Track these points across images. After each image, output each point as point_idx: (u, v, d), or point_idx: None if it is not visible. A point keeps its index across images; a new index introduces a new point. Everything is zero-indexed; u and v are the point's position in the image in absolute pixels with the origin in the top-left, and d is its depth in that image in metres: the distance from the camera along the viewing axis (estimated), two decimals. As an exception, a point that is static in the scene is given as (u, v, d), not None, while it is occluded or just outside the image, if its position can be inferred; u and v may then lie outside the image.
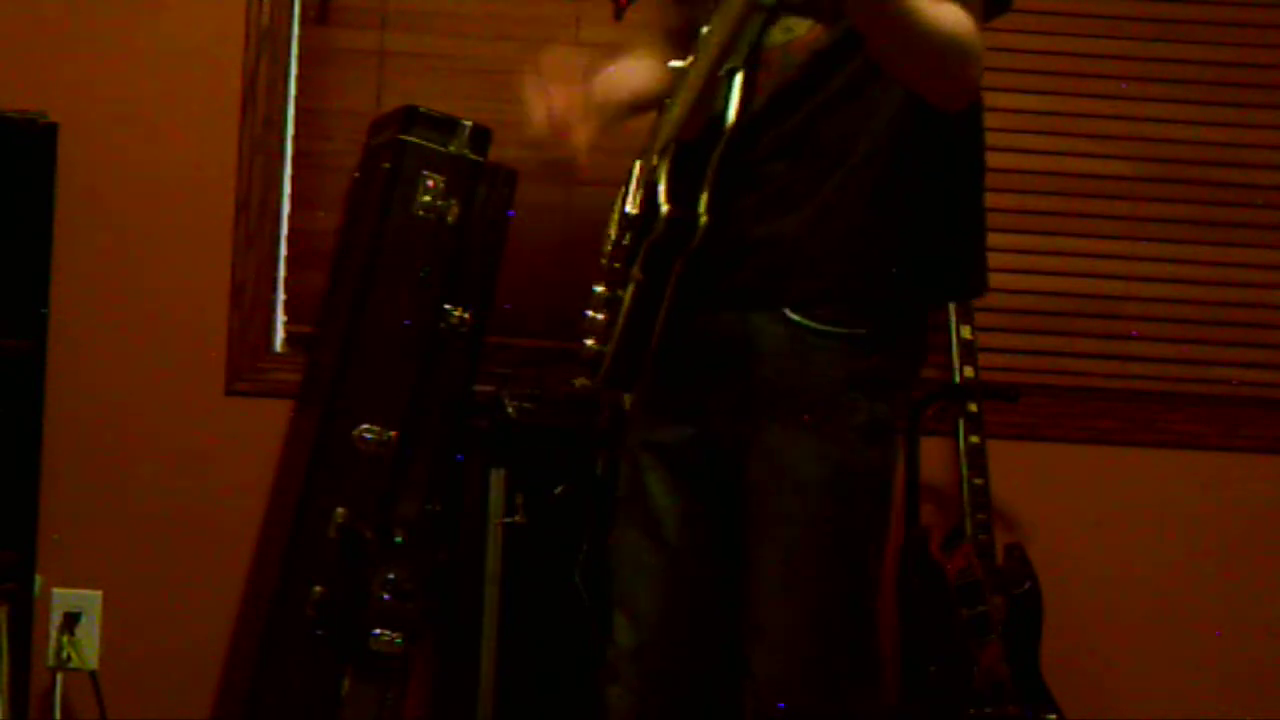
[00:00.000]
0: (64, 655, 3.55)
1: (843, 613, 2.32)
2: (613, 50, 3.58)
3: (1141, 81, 3.73)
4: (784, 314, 2.28)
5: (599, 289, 2.42)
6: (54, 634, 3.56)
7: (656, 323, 2.29)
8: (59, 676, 3.56)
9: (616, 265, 2.38)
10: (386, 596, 3.26)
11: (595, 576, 3.24)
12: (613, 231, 2.43)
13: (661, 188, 2.24)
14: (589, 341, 2.42)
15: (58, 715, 3.54)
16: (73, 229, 3.54)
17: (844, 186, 2.30)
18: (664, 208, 2.22)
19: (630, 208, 2.36)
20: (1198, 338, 3.75)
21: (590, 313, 2.42)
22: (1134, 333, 3.75)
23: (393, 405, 3.30)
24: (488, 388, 3.44)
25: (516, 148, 3.54)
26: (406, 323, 3.31)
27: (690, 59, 2.29)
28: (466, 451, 3.36)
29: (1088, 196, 3.74)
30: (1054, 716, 3.39)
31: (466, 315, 3.38)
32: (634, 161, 2.42)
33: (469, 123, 3.35)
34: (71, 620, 3.56)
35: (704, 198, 2.21)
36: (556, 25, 3.68)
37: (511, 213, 3.47)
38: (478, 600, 3.27)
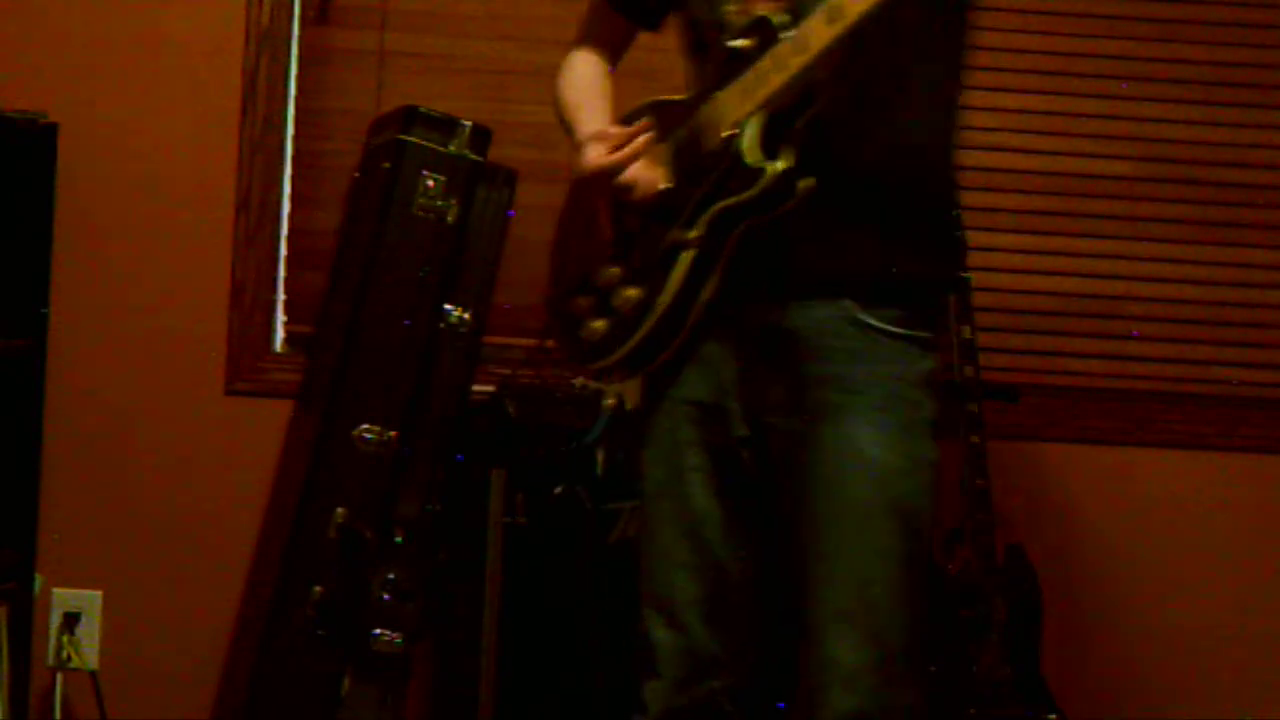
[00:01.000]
0: (64, 655, 3.55)
1: (919, 599, 2.38)
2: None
3: (1141, 81, 3.73)
4: (854, 313, 2.34)
5: (610, 270, 2.45)
6: (54, 634, 3.56)
7: (703, 294, 2.35)
8: (59, 676, 3.56)
9: (641, 245, 2.41)
10: (386, 596, 3.26)
11: (595, 577, 3.25)
12: (610, 225, 2.46)
13: (753, 150, 2.28)
14: (596, 323, 2.45)
15: (58, 715, 3.54)
16: (73, 229, 3.54)
17: (901, 173, 2.37)
18: (770, 166, 2.26)
19: (664, 184, 2.39)
20: (1198, 338, 3.75)
21: (619, 290, 2.43)
22: (1134, 333, 3.75)
23: (393, 405, 3.31)
24: (488, 388, 3.44)
25: (516, 148, 3.55)
26: (406, 323, 3.31)
27: (753, 40, 2.31)
28: (466, 451, 3.36)
29: (1088, 196, 3.74)
30: (1054, 716, 3.39)
31: (466, 315, 3.38)
32: (657, 144, 2.43)
33: (469, 123, 3.35)
34: (71, 620, 3.56)
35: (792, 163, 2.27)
36: (556, 25, 3.67)
37: (511, 213, 3.47)
38: (478, 600, 3.28)
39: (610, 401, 2.47)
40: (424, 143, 3.33)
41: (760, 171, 2.27)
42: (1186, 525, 3.69)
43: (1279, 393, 3.76)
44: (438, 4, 3.69)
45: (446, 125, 3.35)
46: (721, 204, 2.31)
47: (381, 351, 3.31)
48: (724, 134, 2.32)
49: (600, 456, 3.28)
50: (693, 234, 2.34)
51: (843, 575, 2.33)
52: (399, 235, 3.32)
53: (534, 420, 3.31)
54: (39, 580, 3.50)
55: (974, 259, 3.54)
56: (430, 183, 3.32)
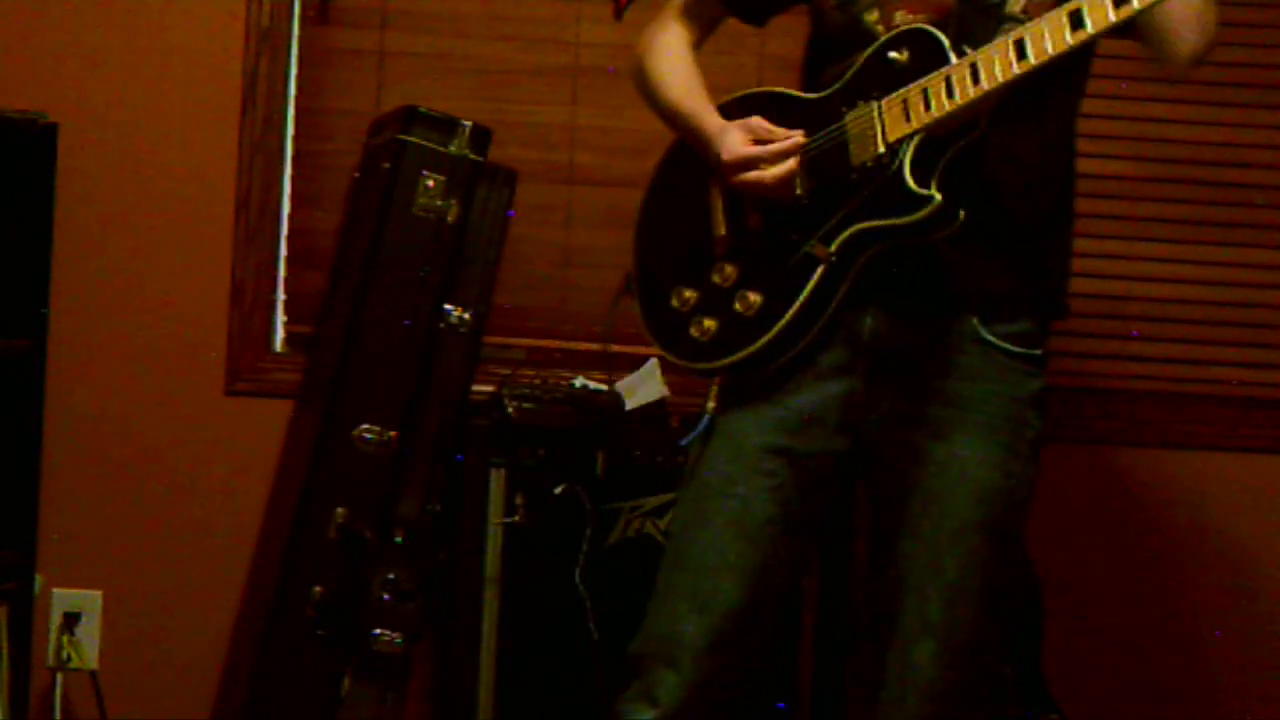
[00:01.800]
0: (64, 655, 3.55)
1: (1001, 615, 2.42)
2: (613, 51, 3.59)
3: (1141, 81, 3.72)
4: (977, 330, 2.36)
5: (726, 268, 2.42)
6: (54, 634, 3.56)
7: (830, 309, 2.33)
8: (59, 676, 3.55)
9: (764, 248, 2.38)
10: (386, 596, 3.26)
11: (595, 577, 3.25)
12: (725, 221, 2.43)
13: (912, 175, 2.26)
14: (708, 322, 2.41)
15: (58, 715, 3.54)
16: (73, 229, 3.53)
17: (1037, 202, 2.41)
18: (935, 195, 2.24)
19: (799, 190, 2.36)
20: (1198, 338, 3.75)
21: (740, 292, 2.40)
22: (1134, 333, 3.74)
23: (393, 405, 3.30)
24: (488, 388, 3.44)
25: (516, 148, 3.55)
26: (406, 323, 3.31)
27: (907, 54, 2.28)
28: (466, 451, 3.36)
29: (1088, 196, 3.71)
30: (1055, 716, 3.39)
31: (466, 315, 3.38)
32: (796, 151, 2.38)
33: (469, 123, 3.35)
34: (71, 620, 3.56)
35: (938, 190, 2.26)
36: (556, 25, 3.68)
37: (511, 213, 3.47)
38: (478, 600, 3.27)
39: (712, 405, 2.44)
40: (424, 143, 3.33)
41: (925, 199, 2.24)
42: (1186, 525, 3.69)
43: (1279, 393, 3.76)
44: (438, 4, 3.69)
45: (446, 125, 3.34)
46: (868, 224, 2.29)
47: (381, 351, 3.31)
48: (879, 150, 2.28)
49: (600, 456, 3.29)
50: (831, 249, 2.31)
51: (935, 589, 2.36)
52: (399, 235, 3.32)
53: (534, 420, 3.31)
54: (39, 580, 3.50)
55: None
56: (430, 183, 3.32)
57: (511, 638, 3.27)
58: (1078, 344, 3.75)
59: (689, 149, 2.51)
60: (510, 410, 3.31)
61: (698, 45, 2.59)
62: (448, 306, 3.37)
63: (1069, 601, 3.56)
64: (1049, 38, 2.18)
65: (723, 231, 2.44)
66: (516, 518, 3.26)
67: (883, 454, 2.40)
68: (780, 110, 2.41)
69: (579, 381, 3.43)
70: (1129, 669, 3.68)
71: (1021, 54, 2.19)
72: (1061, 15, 2.18)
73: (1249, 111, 3.75)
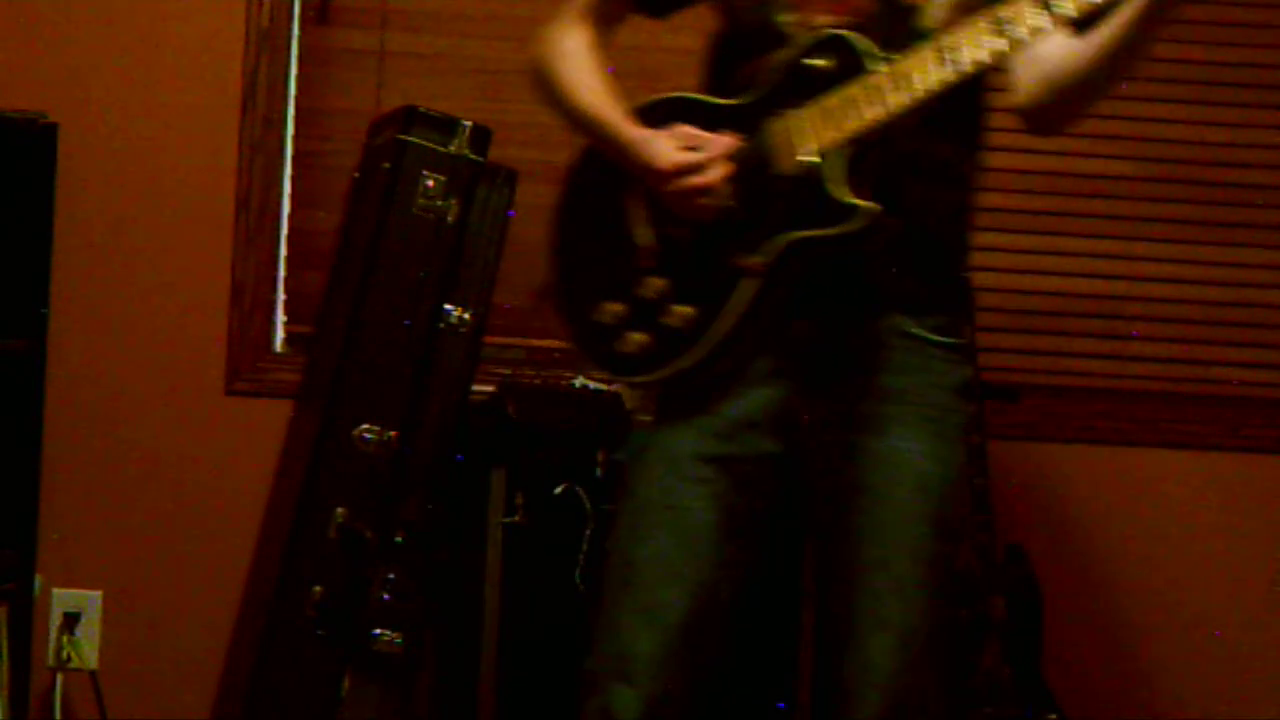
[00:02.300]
0: (64, 655, 3.55)
1: (951, 600, 2.42)
2: (612, 51, 3.58)
3: (1141, 81, 3.72)
4: (904, 326, 2.34)
5: (655, 282, 2.37)
6: (54, 634, 3.56)
7: (761, 319, 2.30)
8: (59, 676, 3.56)
9: (692, 260, 2.35)
10: (386, 596, 3.26)
11: (595, 577, 3.25)
12: (650, 232, 2.39)
13: (841, 185, 2.23)
14: (636, 336, 2.37)
15: (58, 715, 3.54)
16: (73, 229, 3.54)
17: (950, 200, 2.40)
18: (868, 205, 2.22)
19: (729, 201, 2.31)
20: (1198, 338, 3.75)
21: (670, 305, 2.35)
22: (1134, 333, 3.75)
23: (393, 405, 3.30)
24: (488, 388, 3.44)
25: (516, 148, 3.55)
26: (406, 323, 3.31)
27: (830, 61, 2.25)
28: (466, 451, 3.36)
29: (1088, 196, 3.74)
30: (1054, 716, 3.39)
31: (466, 315, 3.38)
32: (732, 153, 2.32)
33: (469, 123, 3.35)
34: (71, 620, 3.56)
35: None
36: (556, 25, 3.68)
37: (512, 213, 3.47)
38: (478, 600, 3.28)
39: (645, 418, 2.42)
40: (424, 143, 3.33)
41: (852, 209, 2.21)
42: (1186, 525, 3.69)
43: (1279, 393, 3.76)
44: (438, 4, 3.69)
45: (446, 125, 3.34)
46: (798, 234, 2.25)
47: (381, 351, 3.31)
48: (803, 159, 2.25)
49: (600, 456, 3.29)
50: (760, 260, 2.27)
51: (886, 584, 2.34)
52: (399, 235, 3.32)
53: (534, 420, 3.31)
54: (39, 580, 3.50)
55: (974, 259, 3.54)
56: (430, 183, 3.32)
57: (511, 638, 3.27)
58: (1078, 344, 3.76)
59: (600, 157, 2.44)
60: (510, 410, 3.31)
61: (606, 39, 2.49)
62: (448, 306, 3.37)
63: (1069, 601, 3.56)
64: (974, 47, 2.16)
65: (647, 243, 2.39)
66: (516, 518, 3.26)
67: (820, 456, 2.38)
68: (698, 116, 2.35)
69: (579, 381, 3.43)
70: (1129, 669, 3.68)
71: (947, 64, 2.18)
72: (985, 23, 2.16)
73: (1249, 111, 3.76)
